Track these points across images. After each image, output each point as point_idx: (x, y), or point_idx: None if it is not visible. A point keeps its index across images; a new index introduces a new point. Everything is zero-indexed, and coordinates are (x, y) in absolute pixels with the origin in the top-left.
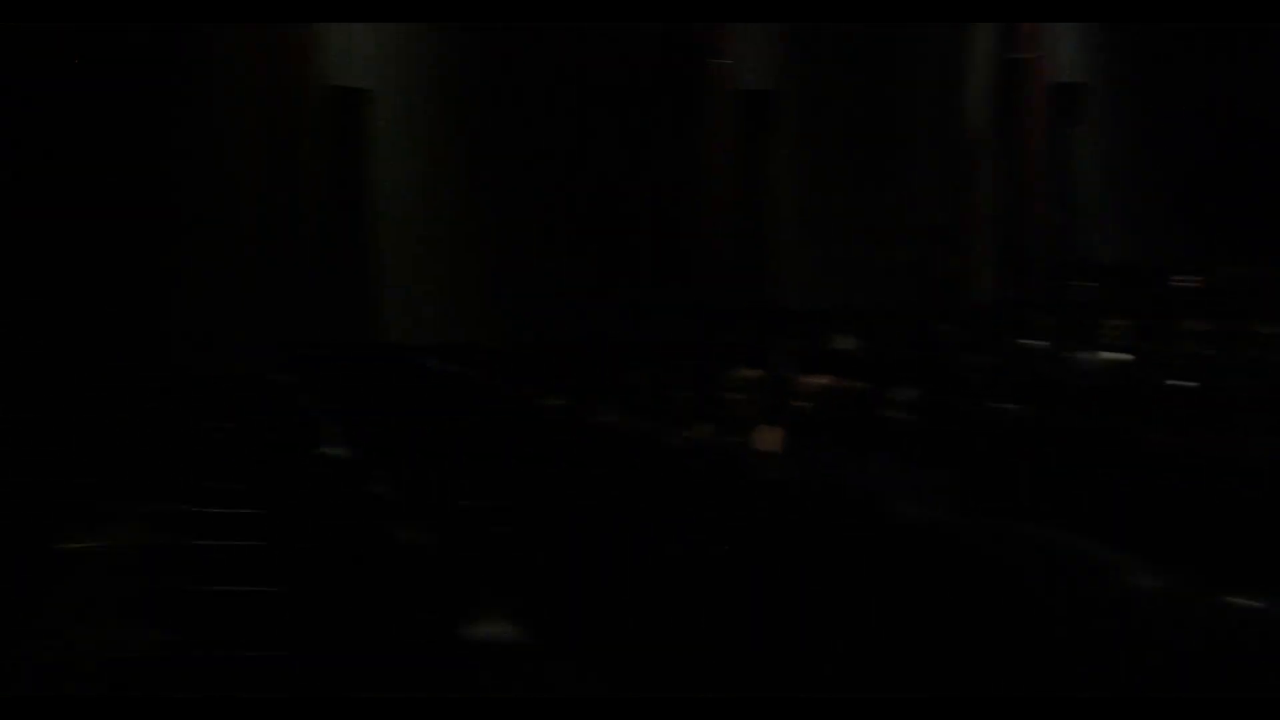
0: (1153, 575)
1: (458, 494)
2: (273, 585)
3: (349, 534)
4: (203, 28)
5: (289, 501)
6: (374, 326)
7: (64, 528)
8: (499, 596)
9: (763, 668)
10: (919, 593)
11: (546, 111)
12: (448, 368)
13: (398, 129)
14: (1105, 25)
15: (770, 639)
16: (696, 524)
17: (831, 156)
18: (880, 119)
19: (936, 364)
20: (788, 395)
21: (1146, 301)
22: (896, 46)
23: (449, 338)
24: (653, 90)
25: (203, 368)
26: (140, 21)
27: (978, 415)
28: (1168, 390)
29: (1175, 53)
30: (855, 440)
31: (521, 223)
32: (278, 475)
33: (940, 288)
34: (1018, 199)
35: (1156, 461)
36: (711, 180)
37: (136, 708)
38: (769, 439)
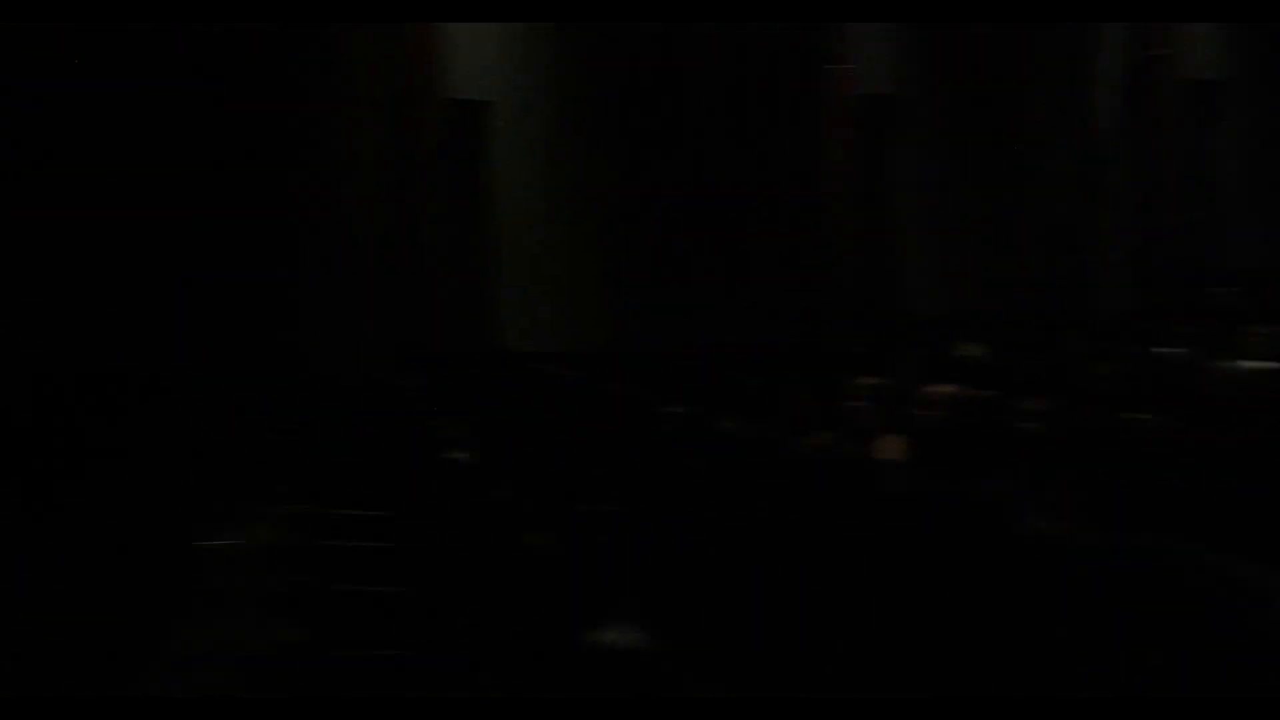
0: None
1: (580, 500)
2: (400, 586)
3: (475, 538)
4: (329, 37)
5: (416, 505)
6: (494, 333)
7: (206, 526)
8: (622, 602)
9: (887, 674)
10: (1047, 608)
11: (665, 116)
12: (567, 374)
13: (517, 136)
14: (1242, 21)
15: (895, 648)
16: (818, 534)
17: (956, 159)
18: (1006, 120)
19: (1066, 373)
20: (911, 404)
21: None
22: (1023, 46)
23: (567, 344)
24: (773, 94)
25: (328, 373)
26: (261, 24)
27: (1110, 427)
28: None
29: None
30: (982, 451)
31: (639, 228)
32: (404, 479)
33: (1070, 294)
34: (1151, 201)
35: None
36: (833, 184)
37: (270, 703)
38: (892, 448)
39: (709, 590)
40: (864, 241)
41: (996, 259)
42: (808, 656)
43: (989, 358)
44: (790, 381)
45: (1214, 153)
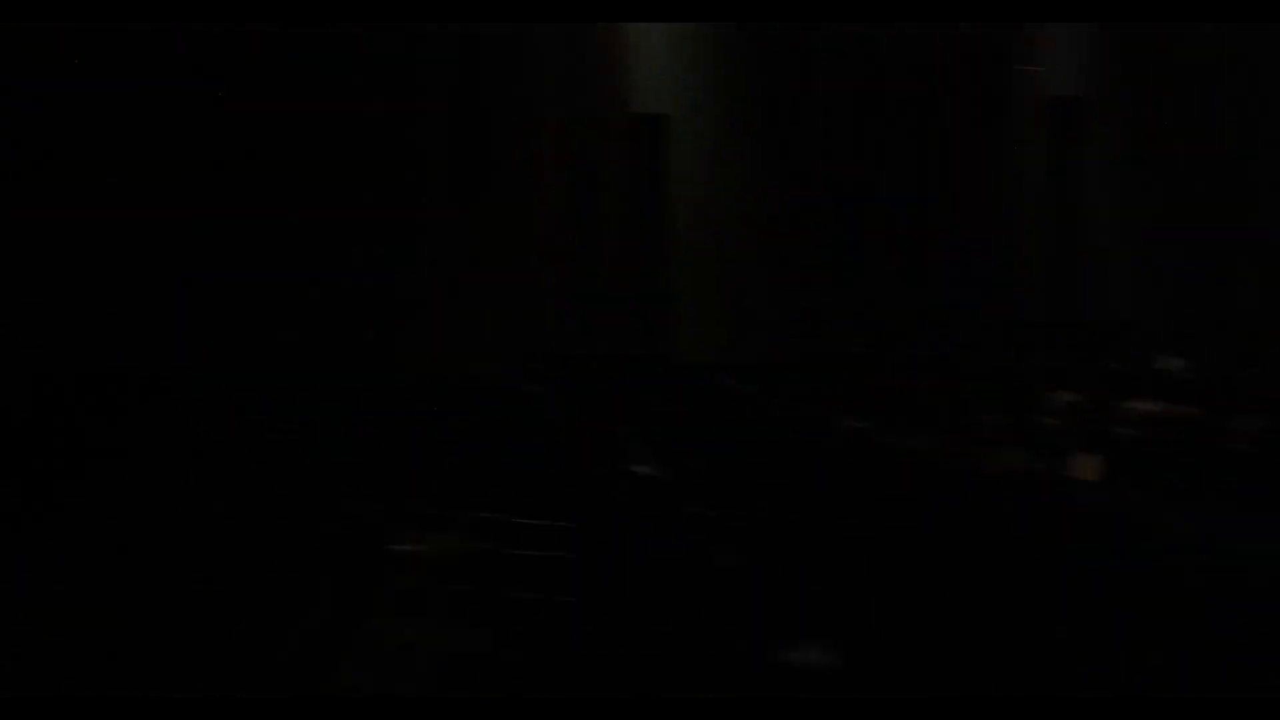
0: None
1: (764, 516)
2: (582, 597)
3: (663, 552)
4: (520, 50)
5: (602, 517)
6: (670, 344)
7: (395, 531)
8: (810, 620)
9: (1077, 697)
10: (1262, 647)
11: (843, 122)
12: (744, 387)
13: (695, 149)
14: None
15: (1090, 675)
16: (1008, 555)
17: (1149, 161)
18: (1204, 121)
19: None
20: (1108, 420)
21: None
22: (1218, 43)
23: (743, 355)
24: (956, 97)
25: (511, 381)
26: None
27: None
28: None
29: None
30: (1188, 473)
31: (815, 237)
32: (590, 491)
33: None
34: None
35: None
36: (1019, 189)
37: (458, 706)
38: (1087, 467)
39: (892, 609)
40: (1052, 248)
41: (1197, 265)
42: (996, 678)
43: (1191, 371)
44: (977, 395)
45: None
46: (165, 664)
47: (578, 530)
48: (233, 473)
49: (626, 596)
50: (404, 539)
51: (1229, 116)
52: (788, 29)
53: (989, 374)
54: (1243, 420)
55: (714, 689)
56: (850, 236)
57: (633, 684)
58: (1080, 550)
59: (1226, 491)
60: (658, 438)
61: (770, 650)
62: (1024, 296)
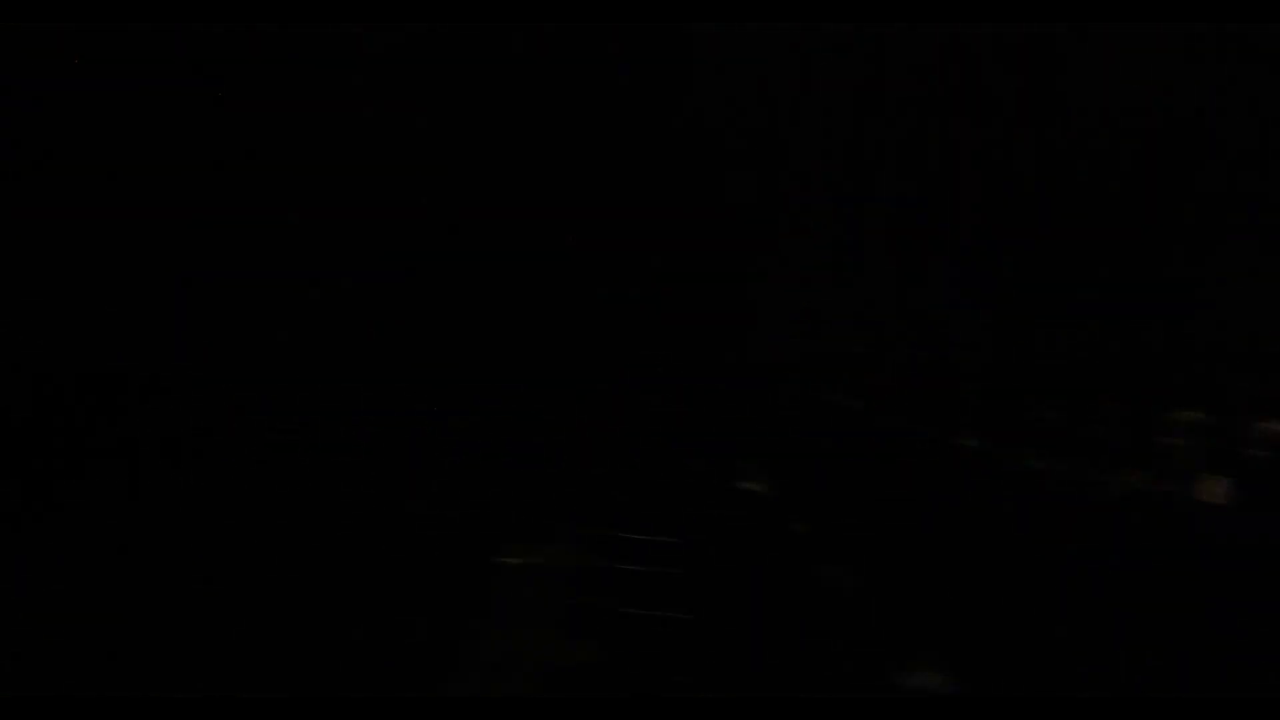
0: None
1: (876, 535)
2: (690, 613)
3: (769, 569)
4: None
5: (709, 533)
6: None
7: (508, 543)
8: (925, 643)
9: None
10: None
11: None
12: (852, 402)
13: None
14: None
15: (1207, 700)
16: (1132, 578)
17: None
18: None
19: None
20: (1239, 441)
21: None
22: None
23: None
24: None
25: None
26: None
27: None
28: None
29: None
30: None
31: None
32: (698, 507)
33: None
34: None
35: None
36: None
37: (563, 710)
38: (1215, 490)
39: (1009, 633)
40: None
41: None
42: (1120, 703)
43: None
44: (1100, 414)
45: None
46: (282, 667)
47: (684, 545)
48: (340, 477)
49: (732, 612)
50: (513, 551)
51: None
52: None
53: (1114, 392)
54: None
55: (822, 708)
56: (985, 250)
57: (737, 696)
58: (1206, 576)
59: None
60: (771, 456)
61: (882, 671)
62: (1144, 311)
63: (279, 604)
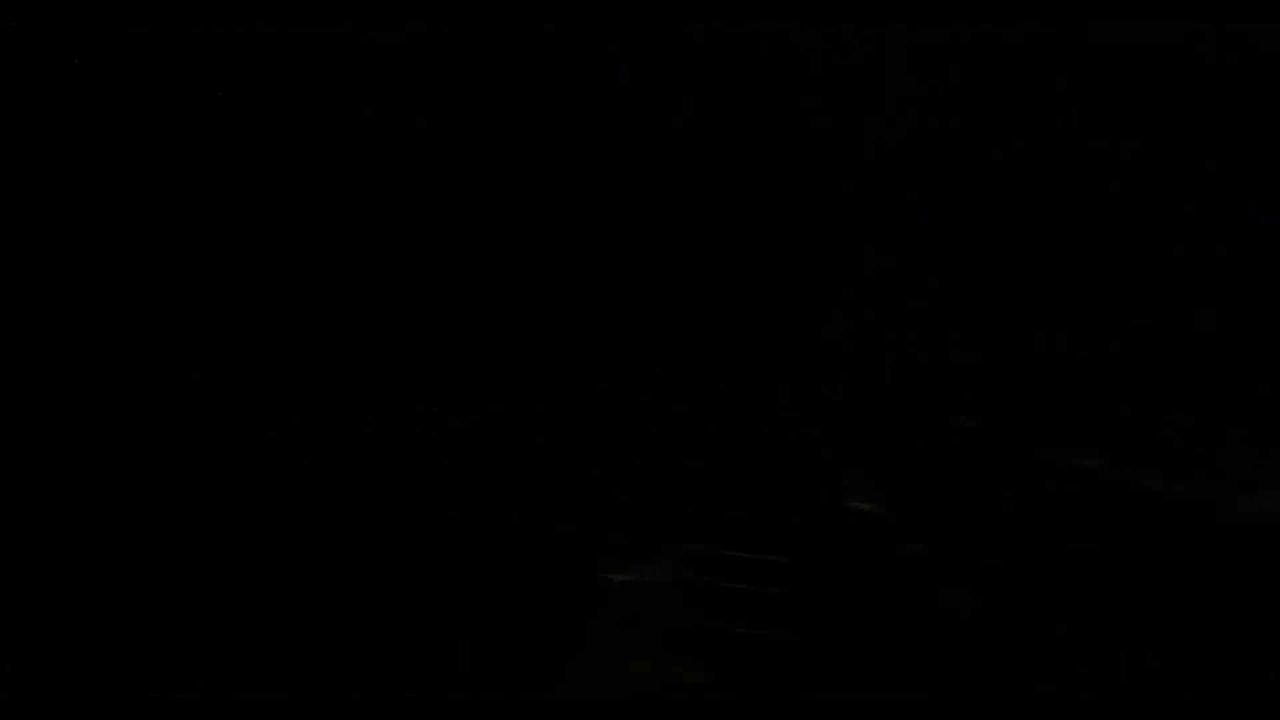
0: None
1: (993, 557)
2: (798, 634)
3: (883, 590)
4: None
5: (817, 552)
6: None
7: (614, 558)
8: (1049, 669)
9: None
10: None
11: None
12: (968, 419)
13: None
14: None
15: None
16: (1263, 605)
17: None
18: None
19: None
20: None
21: None
22: None
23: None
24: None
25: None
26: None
27: None
28: None
29: None
30: None
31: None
32: (804, 525)
33: None
34: None
35: None
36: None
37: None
38: None
39: (1138, 665)
40: None
41: None
42: None
43: None
44: (1226, 429)
45: None
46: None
47: (793, 564)
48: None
49: (842, 635)
50: (617, 567)
51: None
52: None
53: (1242, 407)
54: None
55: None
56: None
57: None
58: None
59: None
60: (882, 473)
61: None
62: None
63: (352, 612)
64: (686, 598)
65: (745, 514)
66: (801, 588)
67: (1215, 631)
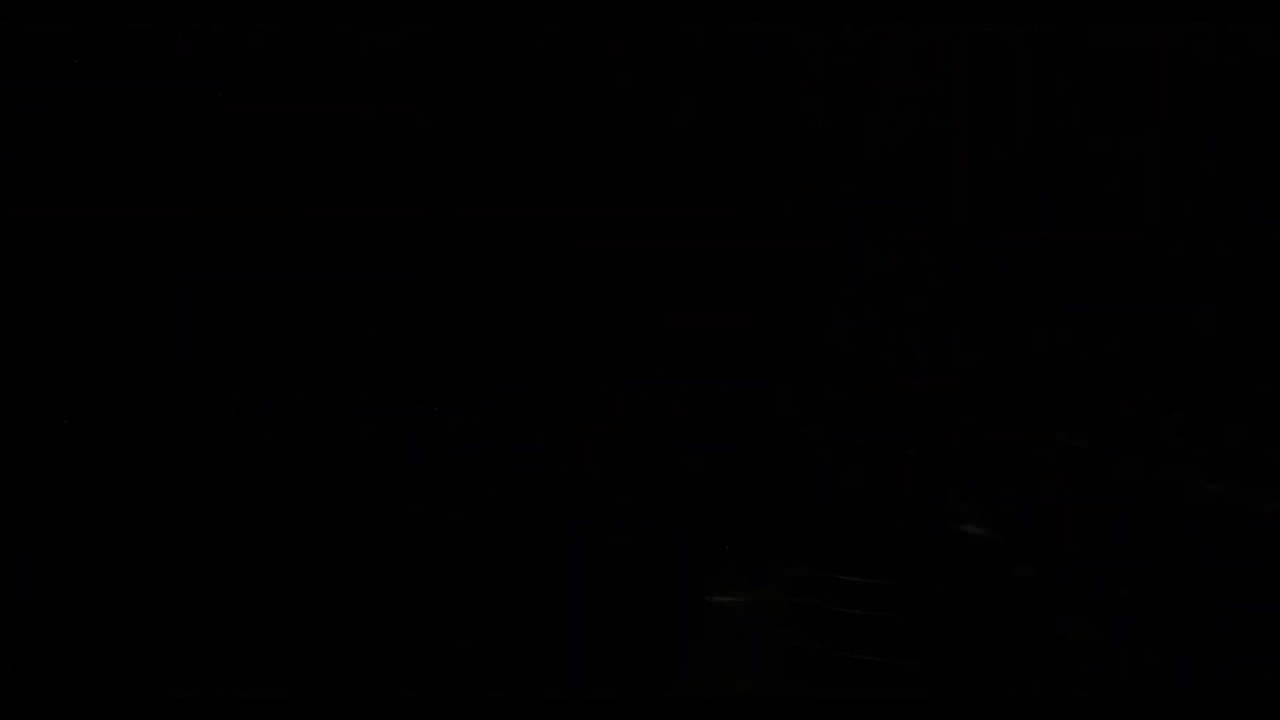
0: None
1: (1111, 582)
2: (907, 659)
3: (992, 616)
4: None
5: (928, 577)
6: None
7: (719, 581)
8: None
9: None
10: None
11: None
12: (1073, 441)
13: None
14: None
15: None
16: None
17: None
18: None
19: None
20: None
21: None
22: None
23: None
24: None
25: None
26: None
27: None
28: None
29: None
30: None
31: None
32: (913, 549)
33: None
34: None
35: None
36: None
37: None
38: None
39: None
40: None
41: None
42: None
43: None
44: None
45: None
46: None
47: (901, 589)
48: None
49: (952, 659)
50: (725, 590)
51: None
52: None
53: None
54: None
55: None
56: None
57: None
58: None
59: None
60: (993, 498)
61: None
62: None
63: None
64: (794, 621)
65: (852, 536)
66: (912, 612)
67: (1252, 633)
